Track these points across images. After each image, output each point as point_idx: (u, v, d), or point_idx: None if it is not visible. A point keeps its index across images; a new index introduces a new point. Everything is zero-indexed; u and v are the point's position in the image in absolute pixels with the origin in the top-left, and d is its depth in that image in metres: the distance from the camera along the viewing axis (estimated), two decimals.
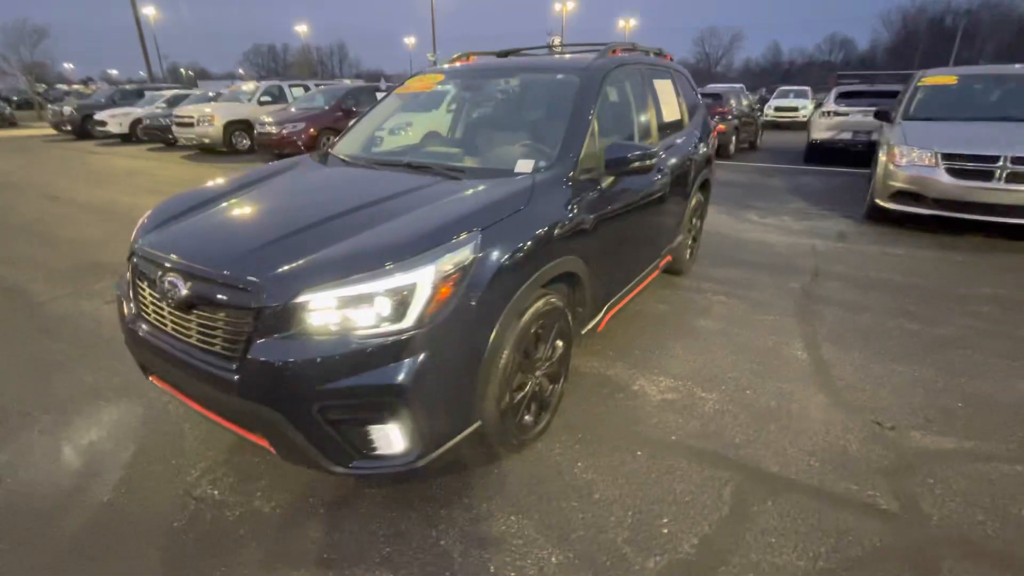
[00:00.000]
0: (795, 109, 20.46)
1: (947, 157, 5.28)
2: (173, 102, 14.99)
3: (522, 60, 3.30)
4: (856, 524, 1.89)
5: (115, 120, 14.94)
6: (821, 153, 10.83)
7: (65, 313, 3.69)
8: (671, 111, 3.63)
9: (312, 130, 10.58)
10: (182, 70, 78.49)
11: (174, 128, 12.64)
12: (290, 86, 13.51)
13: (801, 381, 2.83)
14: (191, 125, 12.08)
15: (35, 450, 2.29)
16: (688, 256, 4.36)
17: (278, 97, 13.14)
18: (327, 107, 11.09)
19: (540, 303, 2.03)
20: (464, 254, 1.68)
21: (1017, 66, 6.53)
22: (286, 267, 1.60)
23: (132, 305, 1.98)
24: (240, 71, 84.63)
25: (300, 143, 10.49)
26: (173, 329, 1.80)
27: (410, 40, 57.96)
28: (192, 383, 1.78)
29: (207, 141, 12.00)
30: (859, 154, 10.02)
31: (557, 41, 32.91)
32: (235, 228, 1.97)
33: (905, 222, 5.80)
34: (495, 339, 1.79)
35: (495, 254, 1.78)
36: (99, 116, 15.13)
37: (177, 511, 1.95)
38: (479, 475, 2.11)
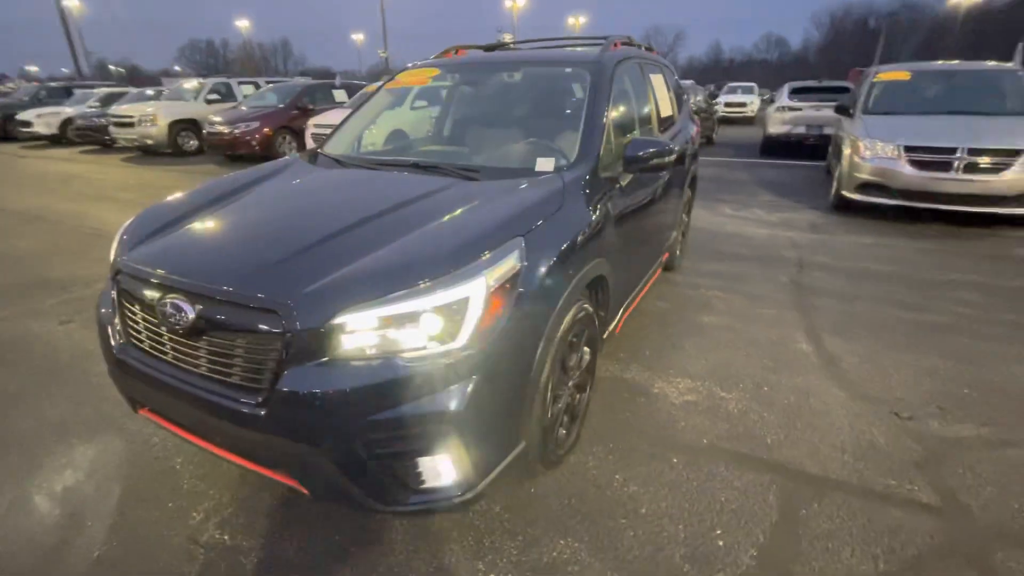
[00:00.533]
0: (744, 105, 21.29)
1: (909, 150, 5.51)
2: (108, 100, 13.96)
3: (523, 53, 3.16)
4: (904, 521, 1.87)
5: (42, 120, 13.74)
6: (776, 146, 11.22)
7: (14, 337, 3.29)
8: (666, 106, 3.58)
9: (267, 129, 10.06)
10: (111, 67, 73.52)
11: (111, 129, 11.73)
12: (239, 83, 12.80)
13: (813, 375, 2.83)
14: (131, 125, 11.24)
15: (1, 502, 1.98)
16: (678, 251, 4.35)
17: (226, 95, 12.43)
18: (282, 105, 10.55)
19: (574, 310, 1.91)
20: (511, 263, 1.54)
21: (963, 63, 6.91)
22: (320, 285, 1.41)
23: (119, 331, 1.72)
24: (176, 68, 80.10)
25: (255, 143, 9.95)
26: (175, 358, 1.57)
27: (358, 36, 56.34)
28: (201, 419, 1.56)
29: (150, 142, 11.21)
30: (813, 147, 10.43)
31: (508, 38, 32.81)
32: (243, 240, 1.74)
33: (869, 212, 6.02)
34: (541, 353, 1.65)
35: (539, 261, 1.65)
36: (23, 116, 13.88)
37: (184, 562, 1.71)
38: (516, 498, 1.97)
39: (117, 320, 1.73)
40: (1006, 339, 3.20)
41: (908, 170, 5.52)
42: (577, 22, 47.62)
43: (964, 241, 5.21)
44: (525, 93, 2.82)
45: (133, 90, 15.16)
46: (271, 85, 12.11)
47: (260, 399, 1.41)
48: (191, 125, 11.54)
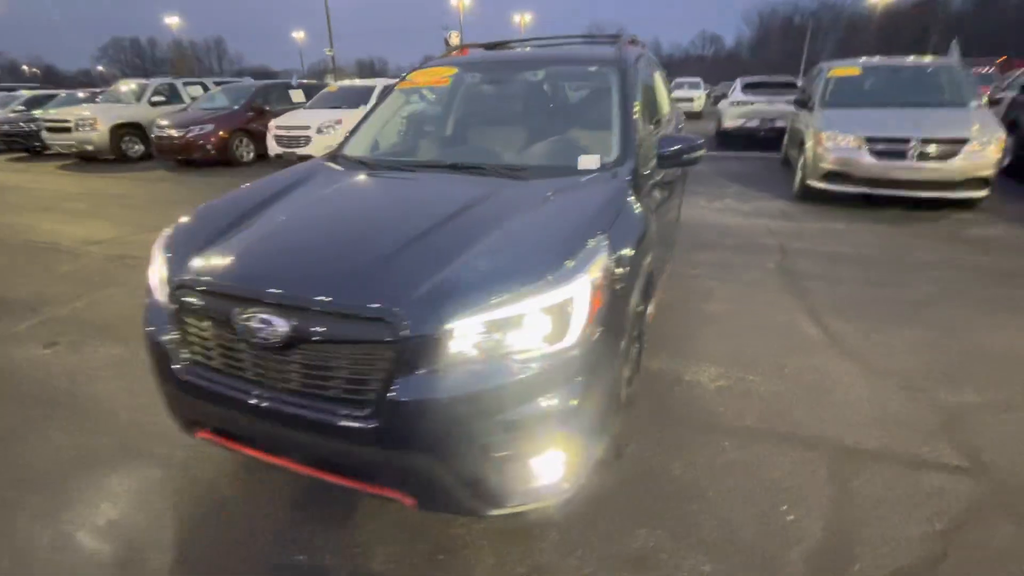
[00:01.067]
0: (691, 100, 22.07)
1: (869, 140, 5.90)
2: (33, 104, 12.89)
3: (544, 52, 3.16)
4: (943, 484, 2.03)
5: None
6: (731, 139, 11.73)
7: None
8: (664, 101, 3.69)
9: (222, 132, 9.59)
10: (25, 67, 67.66)
11: (44, 134, 10.85)
12: (185, 84, 12.12)
13: (825, 355, 3.01)
14: (67, 130, 10.43)
15: (39, 543, 1.83)
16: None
17: (171, 97, 11.73)
18: (236, 107, 10.08)
19: (634, 302, 1.96)
20: (603, 259, 1.56)
21: (905, 58, 7.44)
22: (428, 290, 1.38)
23: (181, 350, 1.62)
24: (100, 68, 74.61)
25: (209, 147, 9.48)
26: (257, 375, 1.50)
27: (299, 35, 54.33)
28: (286, 437, 1.50)
29: (90, 148, 10.43)
30: (765, 139, 10.98)
31: (455, 36, 32.48)
32: (321, 247, 1.67)
33: (831, 199, 6.40)
34: (624, 347, 1.69)
35: (621, 257, 1.68)
36: None
37: None
38: (586, 491, 1.99)
39: (178, 338, 1.63)
40: (979, 311, 3.50)
41: (869, 159, 5.91)
42: (523, 19, 47.97)
43: (920, 224, 5.63)
44: (552, 91, 2.84)
45: (62, 93, 14.05)
46: (220, 87, 11.53)
47: (367, 411, 1.37)
48: (135, 129, 10.83)
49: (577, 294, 1.43)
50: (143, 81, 12.08)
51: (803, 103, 7.44)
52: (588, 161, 2.21)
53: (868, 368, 2.85)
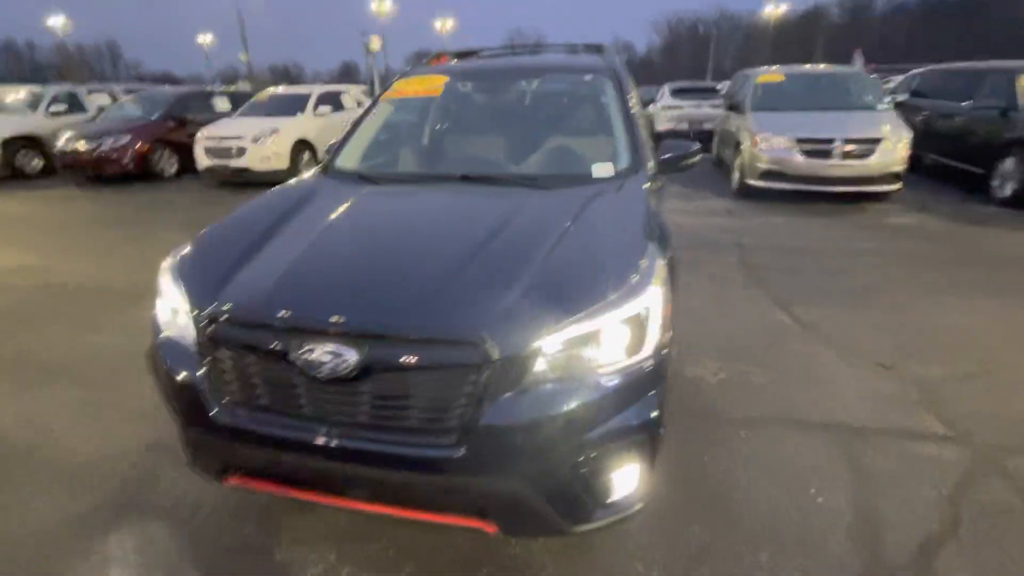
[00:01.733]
0: None
1: (800, 141, 6.42)
2: None
3: (533, 59, 3.15)
4: (936, 451, 2.24)
5: None
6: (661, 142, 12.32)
7: None
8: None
9: (141, 144, 8.80)
10: None
11: None
12: (89, 92, 11.00)
13: (803, 342, 3.23)
14: None
15: None
16: None
17: (73, 106, 10.61)
18: (154, 117, 9.27)
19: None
20: (661, 267, 1.58)
21: (819, 66, 8.17)
22: (511, 309, 1.34)
23: (217, 390, 1.47)
24: None
25: (127, 161, 8.68)
26: (316, 412, 1.39)
27: (205, 39, 50.79)
28: (357, 473, 1.40)
29: None
30: (697, 141, 11.63)
31: (375, 41, 31.79)
32: (374, 270, 1.56)
33: (766, 196, 6.88)
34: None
35: (666, 262, 1.71)
36: None
37: None
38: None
39: (212, 377, 1.47)
40: (920, 292, 3.91)
41: (800, 158, 6.43)
42: (444, 26, 47.80)
43: (847, 216, 6.19)
44: (550, 99, 2.84)
45: None
46: (132, 95, 10.57)
47: (452, 438, 1.31)
48: (31, 143, 9.68)
49: (652, 303, 1.44)
50: (36, 89, 10.84)
51: (734, 107, 7.96)
52: (602, 169, 2.24)
53: (843, 350, 3.10)
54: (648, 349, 1.43)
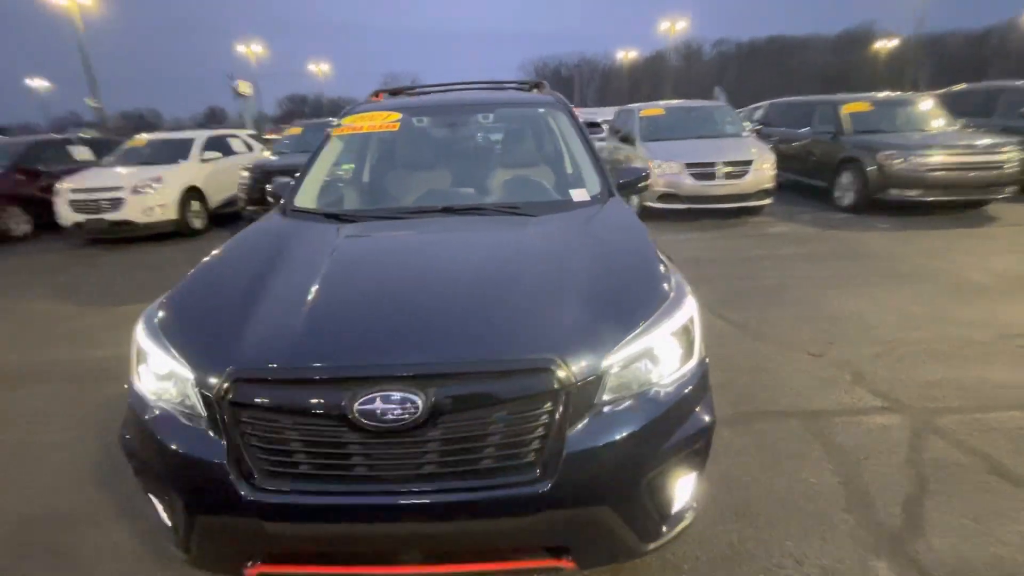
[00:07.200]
0: None
1: (688, 165, 7.17)
2: None
3: (484, 94, 3.17)
4: (882, 420, 2.57)
5: None
6: None
7: None
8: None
9: None
10: None
11: None
12: None
13: (742, 342, 3.55)
14: None
15: None
16: None
17: None
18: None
19: None
20: (681, 276, 1.67)
21: (690, 101, 9.25)
22: (574, 332, 1.32)
23: (242, 463, 1.27)
24: None
25: None
26: (372, 470, 1.25)
27: (39, 84, 44.58)
28: (418, 532, 1.27)
29: None
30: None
31: (244, 86, 30.26)
32: (415, 309, 1.44)
33: (662, 216, 7.55)
34: None
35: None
36: None
37: None
38: None
39: (237, 450, 1.27)
40: (815, 286, 4.52)
41: (689, 181, 7.17)
42: (320, 69, 46.96)
43: (734, 228, 6.98)
44: (510, 131, 2.89)
45: None
46: None
47: (535, 474, 1.25)
48: None
49: (693, 313, 1.52)
50: None
51: (624, 139, 8.70)
52: (579, 194, 2.33)
53: (780, 346, 3.45)
54: (697, 356, 1.49)
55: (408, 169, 2.74)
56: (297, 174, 2.50)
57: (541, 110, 2.90)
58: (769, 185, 7.32)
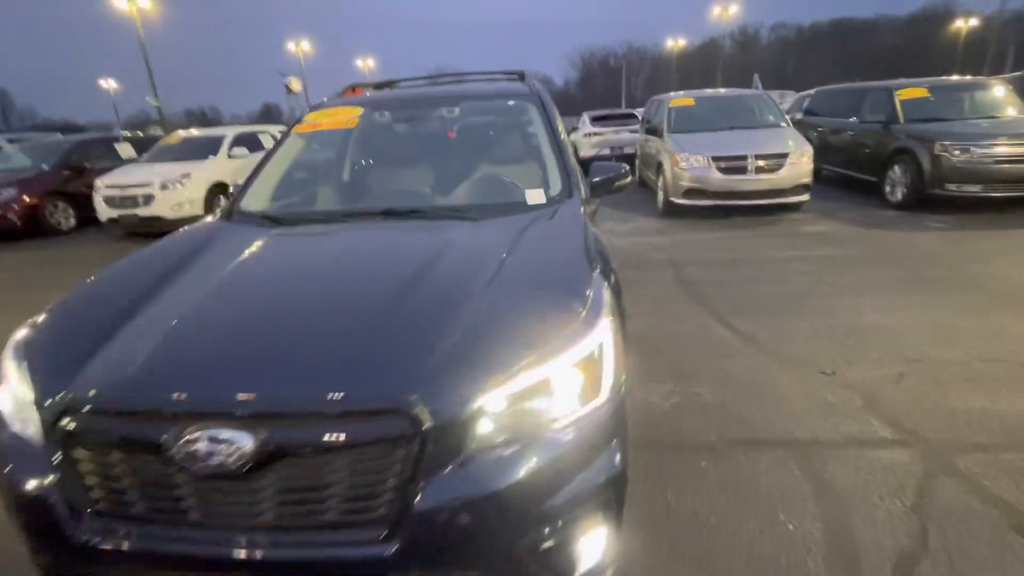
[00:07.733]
0: None
1: (716, 159, 6.72)
2: None
3: (452, 87, 3.02)
4: (888, 456, 2.24)
5: None
6: (586, 166, 12.66)
7: None
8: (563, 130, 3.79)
9: (29, 197, 7.95)
10: None
11: None
12: None
13: (746, 356, 3.23)
14: None
15: None
16: None
17: None
18: (46, 167, 8.41)
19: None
20: (606, 294, 1.45)
21: (724, 90, 8.70)
22: (443, 366, 1.14)
23: (74, 500, 1.16)
24: None
25: (12, 216, 7.79)
26: (206, 515, 1.12)
27: (110, 84, 47.70)
28: None
29: None
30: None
31: (295, 82, 31.20)
32: (274, 333, 1.31)
33: (690, 213, 7.14)
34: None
35: (612, 289, 1.59)
36: None
37: None
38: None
39: (67, 484, 1.16)
40: (843, 296, 4.08)
41: (718, 176, 6.73)
42: (366, 64, 47.83)
43: (765, 227, 6.50)
44: (473, 126, 2.72)
45: None
46: (16, 144, 9.58)
47: (381, 532, 1.08)
48: None
49: (605, 339, 1.30)
50: None
51: (653, 131, 8.29)
52: (535, 195, 2.13)
53: (785, 363, 3.11)
54: (605, 392, 1.27)
55: (363, 168, 2.60)
56: (247, 175, 2.41)
57: (511, 103, 2.69)
58: (806, 179, 6.78)
